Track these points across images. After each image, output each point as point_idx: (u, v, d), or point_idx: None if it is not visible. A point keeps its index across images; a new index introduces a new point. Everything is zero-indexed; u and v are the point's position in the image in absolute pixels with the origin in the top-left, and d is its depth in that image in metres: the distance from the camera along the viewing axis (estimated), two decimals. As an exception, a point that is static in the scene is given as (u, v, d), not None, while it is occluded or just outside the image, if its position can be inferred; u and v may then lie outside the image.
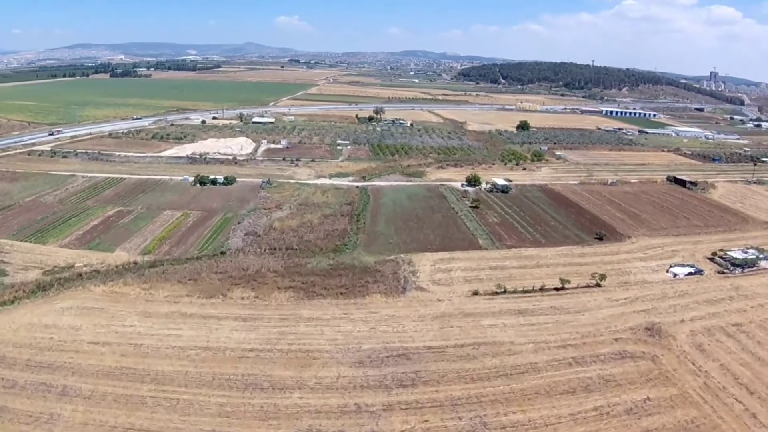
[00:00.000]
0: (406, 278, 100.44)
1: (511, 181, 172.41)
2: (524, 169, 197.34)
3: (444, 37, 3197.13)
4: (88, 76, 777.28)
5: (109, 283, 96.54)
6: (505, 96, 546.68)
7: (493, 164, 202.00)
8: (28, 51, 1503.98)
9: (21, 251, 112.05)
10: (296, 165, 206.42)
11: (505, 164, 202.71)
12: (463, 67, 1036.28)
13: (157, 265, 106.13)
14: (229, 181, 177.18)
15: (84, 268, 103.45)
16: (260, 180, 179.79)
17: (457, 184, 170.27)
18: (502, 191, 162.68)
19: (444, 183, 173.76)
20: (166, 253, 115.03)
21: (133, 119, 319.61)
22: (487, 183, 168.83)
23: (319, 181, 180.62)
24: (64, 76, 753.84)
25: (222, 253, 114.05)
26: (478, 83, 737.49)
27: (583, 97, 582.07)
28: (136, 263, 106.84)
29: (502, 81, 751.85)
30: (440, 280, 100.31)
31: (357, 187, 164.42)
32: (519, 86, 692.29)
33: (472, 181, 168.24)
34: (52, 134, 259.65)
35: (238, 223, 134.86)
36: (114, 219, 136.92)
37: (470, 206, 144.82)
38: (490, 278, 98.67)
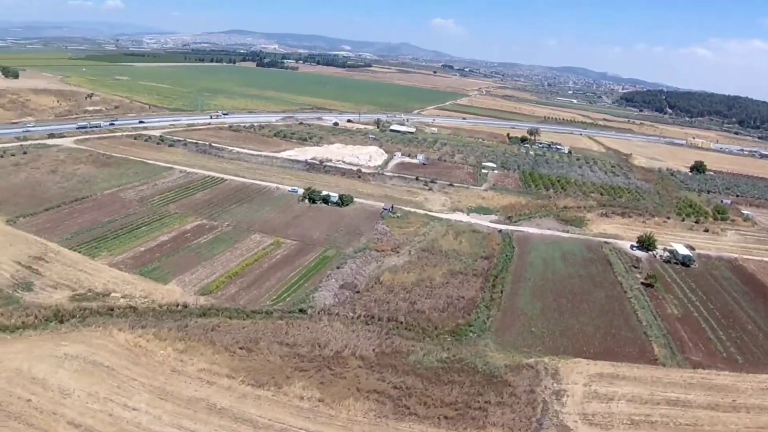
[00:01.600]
0: (545, 404, 78.05)
1: (693, 249, 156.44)
2: (706, 230, 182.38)
3: (604, 54, 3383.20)
4: (234, 63, 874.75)
5: (139, 330, 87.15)
6: (672, 128, 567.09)
7: (668, 218, 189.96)
8: (186, 33, 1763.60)
9: (62, 262, 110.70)
10: (430, 189, 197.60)
11: (682, 219, 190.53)
12: (625, 91, 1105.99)
13: (210, 315, 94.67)
14: (344, 201, 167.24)
15: (120, 301, 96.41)
16: (382, 205, 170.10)
17: (626, 245, 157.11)
18: (683, 263, 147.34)
19: (609, 240, 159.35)
20: (230, 297, 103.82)
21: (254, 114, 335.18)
22: (664, 249, 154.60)
23: (453, 217, 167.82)
24: (212, 60, 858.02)
25: (301, 311, 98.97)
26: (641, 110, 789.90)
27: (759, 137, 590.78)
28: (185, 306, 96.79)
29: (669, 111, 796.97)
30: (594, 417, 76.29)
31: (500, 232, 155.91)
32: (687, 118, 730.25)
33: (645, 244, 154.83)
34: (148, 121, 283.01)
35: (337, 268, 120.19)
36: (189, 236, 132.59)
37: (643, 283, 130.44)
38: (667, 424, 76.79)
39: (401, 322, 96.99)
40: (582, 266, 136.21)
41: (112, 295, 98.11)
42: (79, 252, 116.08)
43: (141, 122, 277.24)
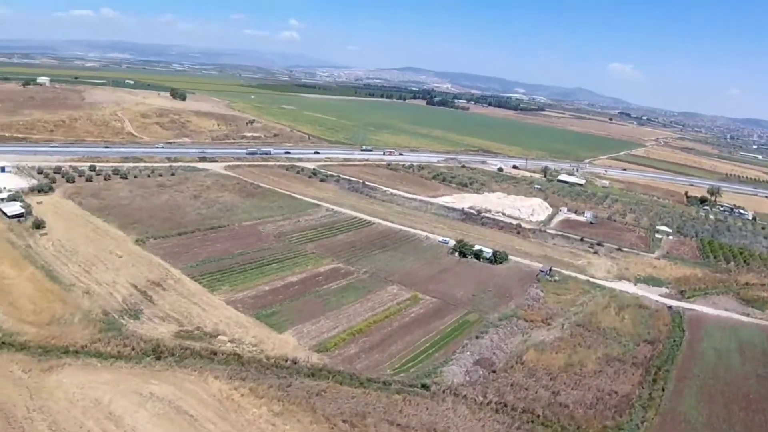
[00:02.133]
0: None
1: None
2: None
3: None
4: (404, 99, 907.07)
5: (236, 382, 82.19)
6: None
7: None
8: (359, 68, 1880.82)
9: (179, 292, 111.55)
10: (595, 252, 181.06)
11: None
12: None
13: (319, 377, 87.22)
14: (497, 258, 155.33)
15: (227, 345, 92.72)
16: (539, 266, 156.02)
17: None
18: None
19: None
20: (347, 358, 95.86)
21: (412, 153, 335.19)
22: None
23: (618, 286, 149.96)
24: (382, 96, 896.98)
25: (424, 386, 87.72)
26: None
27: None
28: (295, 362, 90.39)
29: None
30: None
31: (670, 309, 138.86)
32: None
33: None
34: (317, 153, 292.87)
35: (476, 337, 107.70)
36: (321, 279, 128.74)
37: None
38: None
39: (538, 416, 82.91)
40: (763, 363, 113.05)
41: (220, 337, 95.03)
42: (200, 282, 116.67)
43: (315, 152, 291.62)
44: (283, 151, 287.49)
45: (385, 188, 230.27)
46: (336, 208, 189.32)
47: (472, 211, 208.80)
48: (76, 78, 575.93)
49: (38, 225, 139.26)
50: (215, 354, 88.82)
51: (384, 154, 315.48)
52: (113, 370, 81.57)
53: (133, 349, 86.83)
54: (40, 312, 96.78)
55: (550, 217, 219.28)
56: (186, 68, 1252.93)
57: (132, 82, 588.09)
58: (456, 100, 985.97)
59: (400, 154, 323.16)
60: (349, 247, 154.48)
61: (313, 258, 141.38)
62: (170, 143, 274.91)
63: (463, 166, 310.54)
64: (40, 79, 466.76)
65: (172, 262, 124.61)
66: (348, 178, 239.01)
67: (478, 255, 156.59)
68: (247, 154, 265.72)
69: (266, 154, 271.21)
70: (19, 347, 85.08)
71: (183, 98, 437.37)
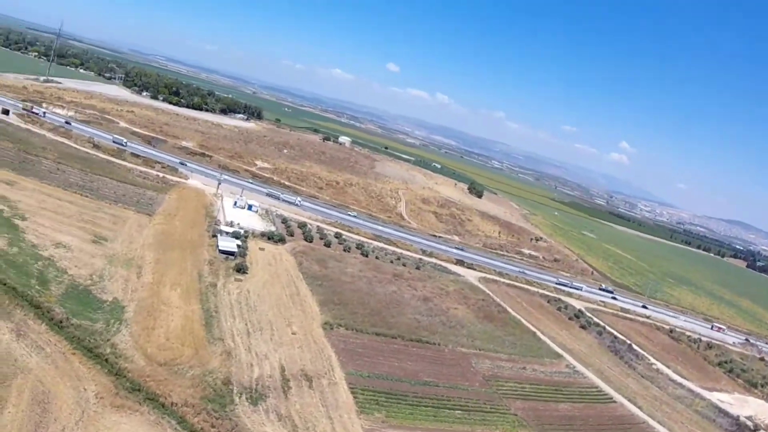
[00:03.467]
0: None
1: None
2: None
3: None
4: (723, 256, 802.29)
5: None
6: None
7: None
8: (685, 210, 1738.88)
9: (323, 398, 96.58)
10: None
11: None
12: None
13: None
14: None
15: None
16: None
17: None
18: None
19: None
20: None
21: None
22: None
23: None
24: (698, 247, 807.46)
25: None
26: None
27: None
28: None
29: None
30: None
31: None
32: None
33: None
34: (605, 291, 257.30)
35: None
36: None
37: None
38: None
39: None
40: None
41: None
42: (355, 396, 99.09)
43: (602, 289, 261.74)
44: (584, 286, 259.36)
45: (653, 360, 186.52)
46: (579, 367, 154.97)
47: (748, 423, 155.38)
48: (386, 148, 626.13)
49: (240, 269, 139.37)
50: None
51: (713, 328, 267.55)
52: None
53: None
54: (165, 349, 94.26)
55: None
56: (504, 167, 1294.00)
57: (439, 165, 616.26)
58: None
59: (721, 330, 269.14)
60: (566, 424, 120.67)
61: (510, 423, 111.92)
62: (435, 236, 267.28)
63: (762, 359, 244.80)
64: (342, 138, 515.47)
65: (343, 362, 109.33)
66: (615, 333, 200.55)
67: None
68: (556, 284, 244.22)
69: (577, 289, 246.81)
70: (113, 370, 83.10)
71: (479, 195, 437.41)
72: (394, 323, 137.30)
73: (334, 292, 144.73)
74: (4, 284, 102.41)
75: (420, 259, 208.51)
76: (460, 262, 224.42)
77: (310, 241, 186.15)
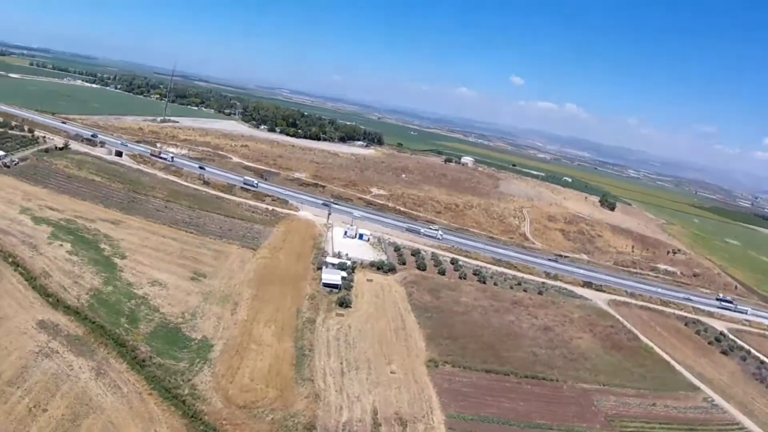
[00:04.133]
0: None
1: None
2: None
3: None
4: None
5: None
6: None
7: None
8: None
9: None
10: None
11: None
12: None
13: None
14: None
15: None
16: None
17: None
18: None
19: None
20: None
21: None
22: None
23: None
24: None
25: None
26: None
27: None
28: None
29: None
30: None
31: None
32: None
33: None
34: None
35: None
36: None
37: None
38: None
39: None
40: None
41: None
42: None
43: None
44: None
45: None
46: (719, 400, 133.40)
47: None
48: (513, 165, 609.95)
49: (343, 303, 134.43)
50: None
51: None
52: None
53: None
54: (247, 390, 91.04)
55: None
56: (641, 176, 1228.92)
57: (569, 179, 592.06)
58: None
59: None
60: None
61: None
62: (560, 256, 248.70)
63: None
64: (464, 159, 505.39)
65: (445, 404, 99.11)
66: (762, 357, 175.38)
67: None
68: (719, 307, 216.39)
69: (742, 312, 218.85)
70: (188, 412, 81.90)
71: (611, 208, 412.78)
72: (508, 358, 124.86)
73: (444, 325, 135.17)
74: (93, 322, 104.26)
75: (543, 283, 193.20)
76: (587, 285, 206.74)
77: (423, 270, 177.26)
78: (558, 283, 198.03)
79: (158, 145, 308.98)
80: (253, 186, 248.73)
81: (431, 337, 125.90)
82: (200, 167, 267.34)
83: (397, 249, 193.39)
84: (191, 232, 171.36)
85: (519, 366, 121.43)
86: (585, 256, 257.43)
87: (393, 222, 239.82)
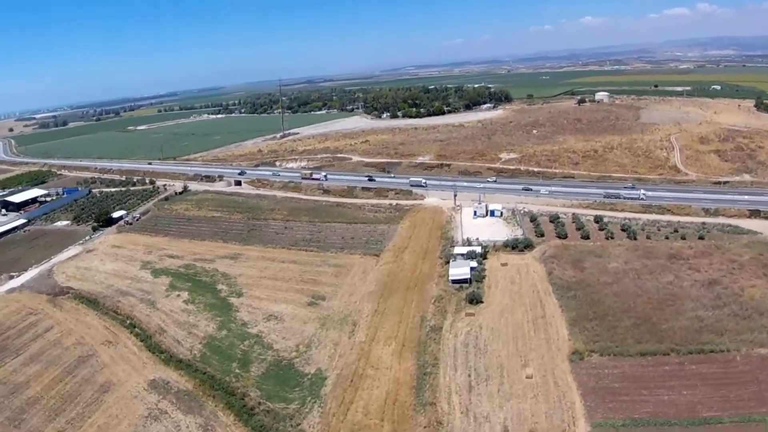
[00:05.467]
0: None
1: None
2: None
3: None
4: None
5: None
6: None
7: None
8: None
9: None
10: None
11: None
12: None
13: None
14: None
15: None
16: None
17: None
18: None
19: None
20: None
21: None
22: None
23: None
24: None
25: None
26: None
27: None
28: None
29: None
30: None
31: None
32: None
33: None
34: None
35: None
36: None
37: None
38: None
39: None
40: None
41: None
42: None
43: None
44: None
45: None
46: None
47: None
48: (655, 86, 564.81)
49: (473, 299, 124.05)
50: None
51: None
52: None
53: None
54: (360, 428, 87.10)
55: None
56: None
57: (718, 87, 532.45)
58: None
59: None
60: None
61: None
62: (719, 183, 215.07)
63: None
64: (598, 95, 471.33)
65: (590, 409, 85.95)
66: None
67: None
68: None
69: None
70: None
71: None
72: (667, 331, 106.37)
73: (590, 303, 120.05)
74: (204, 373, 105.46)
75: (702, 223, 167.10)
76: (755, 214, 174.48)
77: (564, 238, 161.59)
78: (720, 220, 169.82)
79: (277, 163, 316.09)
80: (422, 185, 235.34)
81: (575, 321, 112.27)
82: (325, 177, 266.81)
83: (533, 219, 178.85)
84: (311, 250, 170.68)
85: (681, 339, 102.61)
86: (747, 176, 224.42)
87: (525, 187, 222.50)
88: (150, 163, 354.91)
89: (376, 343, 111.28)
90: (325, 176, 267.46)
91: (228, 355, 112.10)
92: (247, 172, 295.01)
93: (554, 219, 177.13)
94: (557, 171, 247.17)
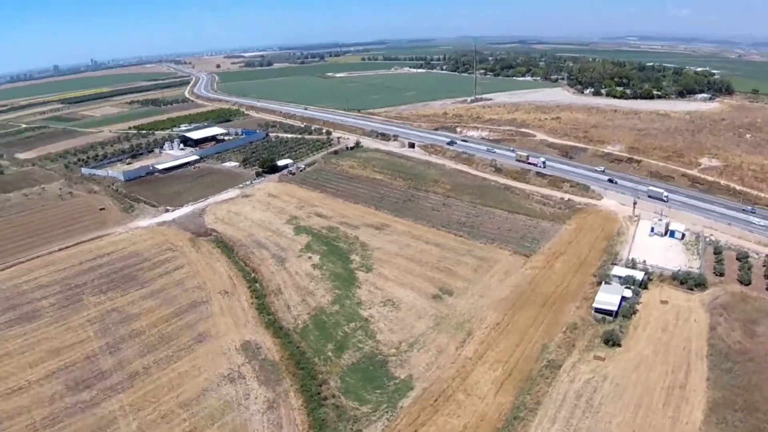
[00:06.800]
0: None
1: None
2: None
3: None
4: None
5: None
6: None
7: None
8: None
9: None
10: None
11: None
12: None
13: None
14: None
15: None
16: None
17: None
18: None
19: None
20: None
21: None
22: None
23: None
24: None
25: None
26: None
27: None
28: None
29: None
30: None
31: None
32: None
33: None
34: None
35: None
36: None
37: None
38: None
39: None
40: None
41: None
42: None
43: None
44: None
45: None
46: None
47: None
48: None
49: (609, 340, 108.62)
50: None
51: None
52: None
53: None
54: None
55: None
56: None
57: None
58: None
59: None
60: None
61: None
62: None
63: None
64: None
65: None
66: None
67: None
68: None
69: None
70: None
71: None
72: None
73: (745, 386, 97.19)
74: (297, 347, 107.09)
75: None
76: None
77: (747, 284, 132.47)
78: None
79: (458, 129, 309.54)
80: (663, 199, 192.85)
81: (717, 406, 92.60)
82: (543, 164, 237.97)
83: (717, 251, 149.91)
84: (460, 235, 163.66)
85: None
86: None
87: (722, 209, 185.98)
88: (331, 113, 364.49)
89: (482, 364, 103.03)
90: (544, 163, 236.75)
91: (328, 334, 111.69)
92: (424, 135, 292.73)
93: (743, 257, 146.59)
94: (764, 195, 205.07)
